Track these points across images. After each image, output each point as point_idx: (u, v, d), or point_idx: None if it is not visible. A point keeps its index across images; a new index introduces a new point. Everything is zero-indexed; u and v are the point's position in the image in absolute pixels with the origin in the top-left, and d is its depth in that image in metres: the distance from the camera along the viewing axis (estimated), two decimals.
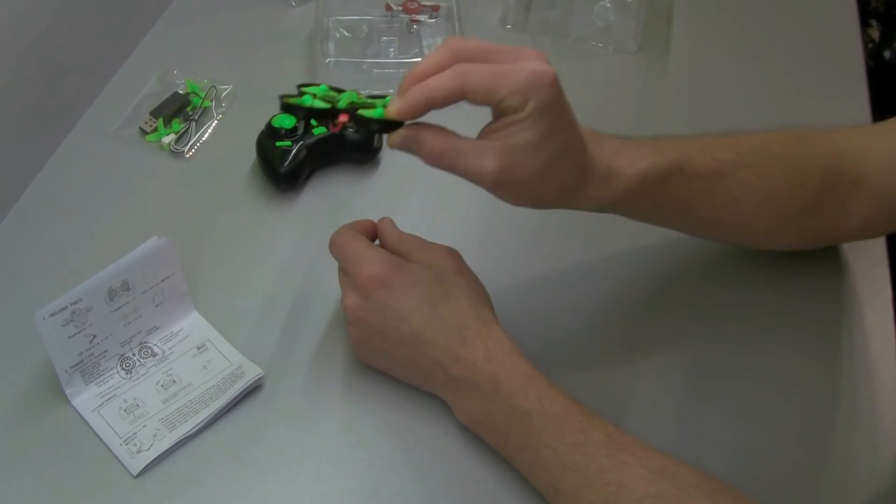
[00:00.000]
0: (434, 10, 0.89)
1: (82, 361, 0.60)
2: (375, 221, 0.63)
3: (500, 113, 0.53)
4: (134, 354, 0.63)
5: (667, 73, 0.88)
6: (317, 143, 0.75)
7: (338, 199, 0.76)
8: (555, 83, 0.52)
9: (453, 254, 0.61)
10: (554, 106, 0.52)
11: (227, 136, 0.81)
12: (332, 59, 0.84)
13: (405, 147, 0.55)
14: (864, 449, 0.60)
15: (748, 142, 0.64)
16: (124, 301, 0.61)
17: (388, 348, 0.60)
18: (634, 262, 0.72)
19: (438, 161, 0.53)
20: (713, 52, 0.90)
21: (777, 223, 0.65)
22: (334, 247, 0.61)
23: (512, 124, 0.52)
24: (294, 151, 0.74)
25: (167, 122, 0.80)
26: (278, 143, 0.74)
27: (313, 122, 0.75)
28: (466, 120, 0.55)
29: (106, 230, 0.73)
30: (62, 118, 0.81)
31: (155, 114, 0.81)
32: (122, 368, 0.62)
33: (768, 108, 0.83)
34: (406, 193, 0.76)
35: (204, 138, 0.81)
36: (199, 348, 0.64)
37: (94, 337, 0.60)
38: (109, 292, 0.60)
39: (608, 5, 0.89)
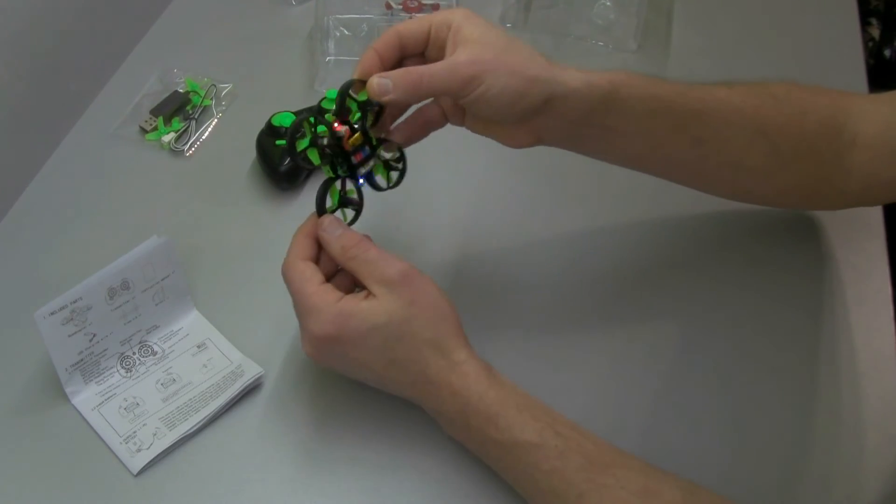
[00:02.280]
0: (434, 9, 0.89)
1: (82, 360, 0.60)
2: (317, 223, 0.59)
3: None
4: (134, 353, 0.63)
5: (667, 73, 0.88)
6: None
7: None
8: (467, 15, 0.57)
9: (407, 276, 0.56)
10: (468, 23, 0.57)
11: (226, 135, 0.81)
12: (332, 58, 0.84)
13: (383, 89, 0.56)
14: (864, 449, 0.60)
15: (744, 83, 0.64)
16: (124, 300, 0.61)
17: (356, 376, 0.60)
18: (630, 257, 0.72)
19: (396, 86, 0.56)
20: (713, 51, 0.90)
21: (774, 160, 0.64)
22: (285, 280, 0.58)
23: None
24: None
25: (167, 121, 0.81)
26: (278, 142, 0.74)
27: (312, 119, 0.75)
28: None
29: (106, 229, 0.73)
30: (62, 118, 0.81)
31: (155, 112, 0.81)
32: (122, 367, 0.62)
33: None
34: (404, 188, 0.75)
35: (204, 137, 0.81)
36: (199, 347, 0.64)
37: (95, 336, 0.60)
38: (109, 291, 0.60)
39: (608, 4, 0.89)
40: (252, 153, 0.77)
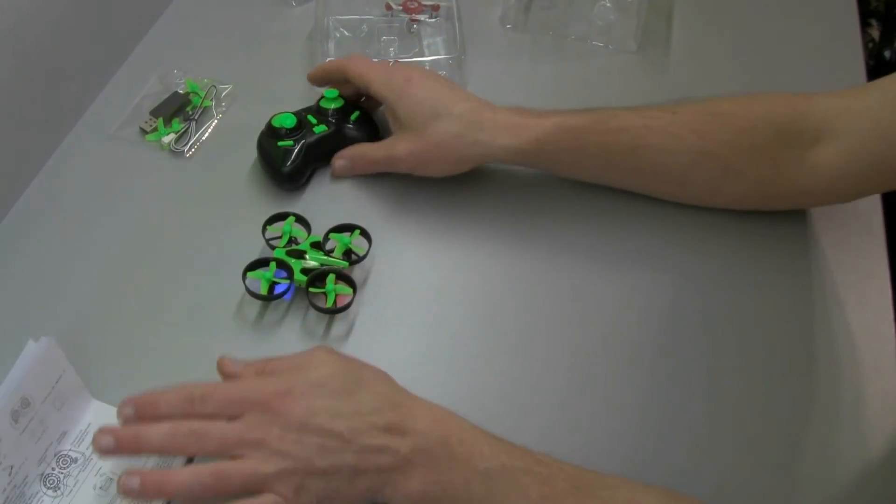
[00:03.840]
0: (434, 10, 0.89)
1: (7, 498, 0.55)
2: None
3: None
4: (54, 469, 0.58)
5: (667, 73, 0.88)
6: (318, 142, 0.75)
7: (339, 196, 0.76)
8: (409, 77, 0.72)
9: (329, 350, 0.56)
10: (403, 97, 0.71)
11: (227, 136, 0.81)
12: (332, 59, 0.84)
13: (343, 170, 0.76)
14: (864, 450, 0.60)
15: (689, 103, 0.68)
16: (29, 418, 0.55)
17: (326, 485, 0.51)
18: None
19: (353, 167, 0.75)
20: (713, 52, 0.90)
21: (722, 174, 0.67)
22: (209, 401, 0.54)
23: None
24: (296, 150, 0.74)
25: (167, 122, 0.80)
26: (280, 143, 0.74)
27: (312, 119, 0.75)
28: None
29: (105, 230, 0.73)
30: (62, 118, 0.81)
31: (155, 113, 0.81)
32: (48, 487, 0.57)
33: None
34: (409, 186, 0.76)
35: (204, 138, 0.81)
36: None
37: (12, 468, 0.55)
38: (13, 414, 0.54)
39: (608, 5, 0.89)
40: (252, 153, 0.77)
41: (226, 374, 0.58)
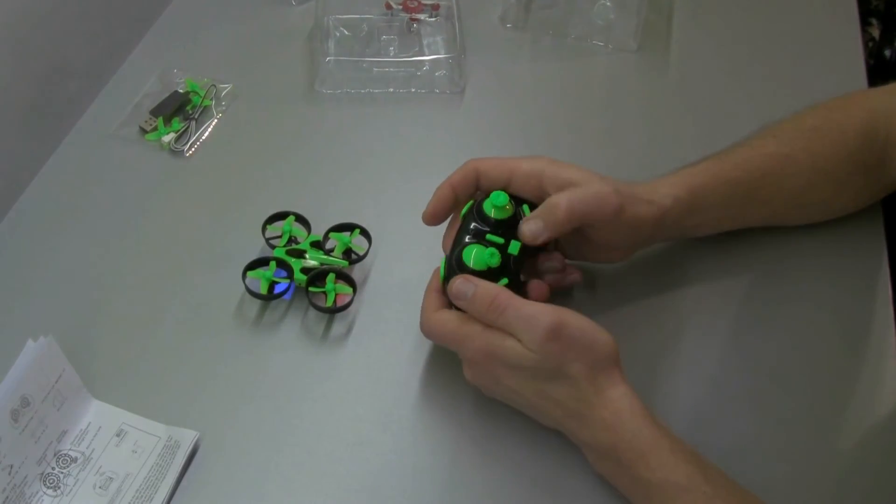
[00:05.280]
0: (434, 9, 0.89)
1: (7, 498, 0.55)
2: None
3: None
4: (54, 468, 0.58)
5: (667, 73, 0.88)
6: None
7: (339, 196, 0.76)
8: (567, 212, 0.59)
9: (557, 328, 0.53)
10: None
11: (226, 135, 0.81)
12: (332, 58, 0.84)
13: (535, 234, 0.59)
14: (864, 450, 0.60)
15: (777, 126, 0.68)
16: (28, 417, 0.56)
17: (512, 399, 0.59)
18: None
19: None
20: (713, 51, 0.90)
21: (833, 189, 0.68)
22: (431, 336, 0.60)
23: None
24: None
25: (167, 121, 0.81)
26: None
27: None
28: None
29: (105, 229, 0.73)
30: (62, 118, 0.81)
31: (155, 113, 0.81)
32: (48, 486, 0.57)
33: (768, 107, 0.83)
34: (409, 186, 0.75)
35: (204, 137, 0.81)
36: (118, 435, 0.60)
37: (12, 467, 0.55)
38: (12, 414, 0.54)
39: (608, 4, 0.89)
40: (252, 154, 0.76)
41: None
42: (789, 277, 0.70)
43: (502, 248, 0.59)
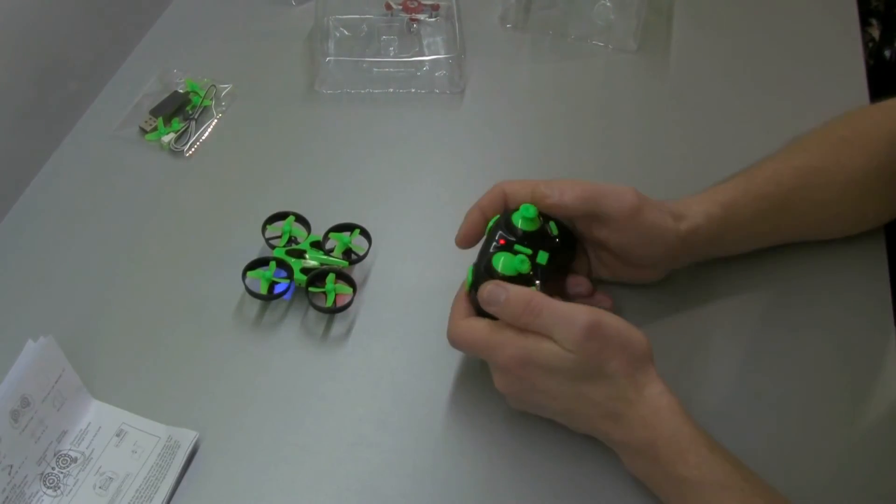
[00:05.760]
0: (434, 9, 0.89)
1: (7, 498, 0.55)
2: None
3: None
4: (53, 468, 0.58)
5: (667, 73, 0.88)
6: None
7: (339, 196, 0.76)
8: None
9: (594, 328, 0.53)
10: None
11: (226, 135, 0.81)
12: (332, 58, 0.84)
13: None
14: (863, 450, 0.60)
15: (806, 138, 0.68)
16: (28, 417, 0.56)
17: (545, 405, 0.58)
18: None
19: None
20: (713, 51, 0.90)
21: (865, 199, 0.67)
22: (458, 345, 0.59)
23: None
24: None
25: (167, 121, 0.81)
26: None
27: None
28: None
29: (105, 229, 0.73)
30: (62, 118, 0.81)
31: (155, 113, 0.81)
32: (48, 486, 0.57)
33: (768, 108, 0.83)
34: (409, 186, 0.75)
35: (203, 137, 0.81)
36: (118, 435, 0.60)
37: (12, 467, 0.55)
38: (12, 414, 0.54)
39: (608, 4, 0.89)
40: (252, 154, 0.76)
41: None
42: (787, 278, 0.70)
43: (530, 259, 0.59)
